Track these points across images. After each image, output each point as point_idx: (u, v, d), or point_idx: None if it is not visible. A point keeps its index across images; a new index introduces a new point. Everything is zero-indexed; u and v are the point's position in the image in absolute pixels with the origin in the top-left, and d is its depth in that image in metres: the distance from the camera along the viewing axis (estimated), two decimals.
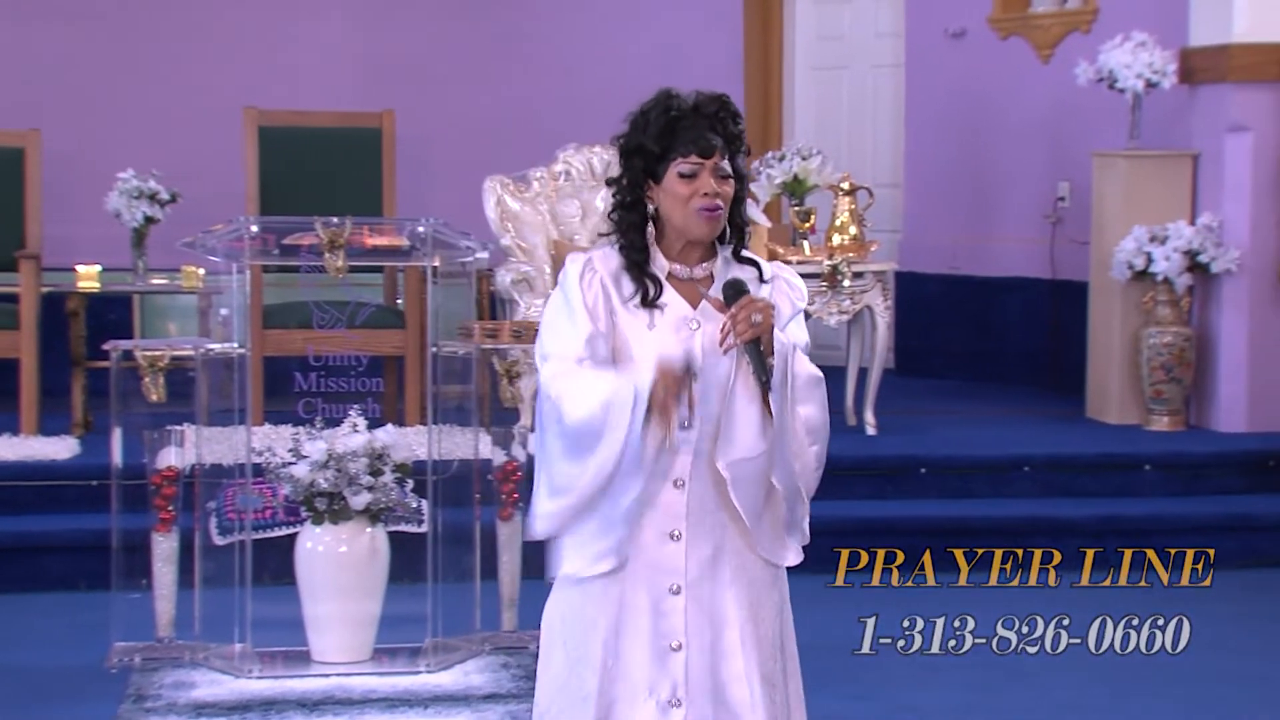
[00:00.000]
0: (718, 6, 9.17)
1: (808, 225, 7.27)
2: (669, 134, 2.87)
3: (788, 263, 7.11)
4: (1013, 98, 8.45)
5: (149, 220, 7.17)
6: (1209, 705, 4.91)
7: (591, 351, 2.86)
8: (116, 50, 8.58)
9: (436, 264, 5.19)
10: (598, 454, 2.82)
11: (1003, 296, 8.57)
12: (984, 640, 5.49)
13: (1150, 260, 7.13)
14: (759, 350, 2.82)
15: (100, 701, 4.77)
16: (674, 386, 2.80)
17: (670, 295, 2.89)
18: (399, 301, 7.05)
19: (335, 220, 5.15)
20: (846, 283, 7.03)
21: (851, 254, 7.10)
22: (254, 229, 5.13)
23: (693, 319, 2.88)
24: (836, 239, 7.16)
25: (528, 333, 5.42)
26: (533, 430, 3.14)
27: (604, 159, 7.36)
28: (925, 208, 8.83)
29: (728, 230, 2.93)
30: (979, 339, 8.66)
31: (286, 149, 7.39)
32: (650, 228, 2.91)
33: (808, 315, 7.18)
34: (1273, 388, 7.21)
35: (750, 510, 2.89)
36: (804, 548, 3.01)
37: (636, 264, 2.89)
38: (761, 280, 2.93)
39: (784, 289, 2.95)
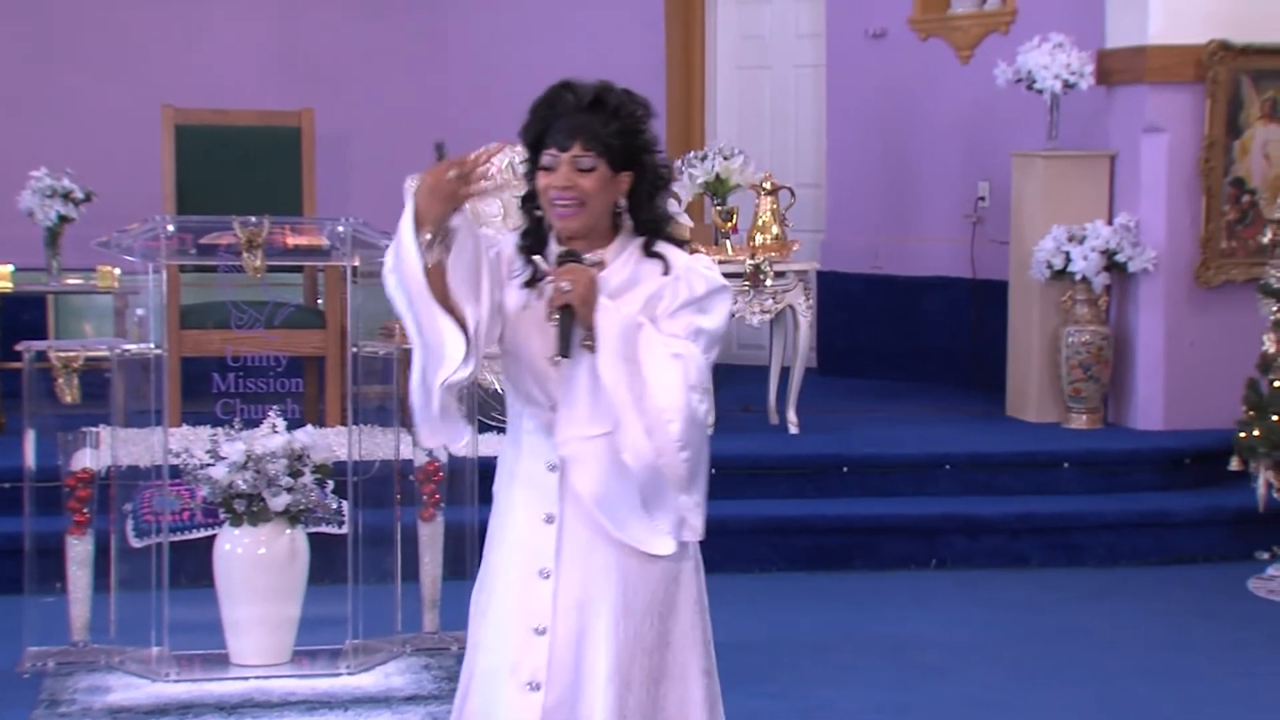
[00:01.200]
0: (639, 5, 9.17)
1: (730, 225, 7.27)
2: (542, 126, 2.88)
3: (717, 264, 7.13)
4: (933, 98, 8.50)
5: (63, 219, 7.08)
6: (1121, 699, 4.95)
7: (491, 272, 2.89)
8: (31, 46, 8.47)
9: (356, 264, 5.16)
10: (403, 284, 2.82)
11: (924, 296, 8.62)
12: (899, 636, 5.52)
13: (1069, 260, 7.19)
14: (567, 320, 2.80)
15: (13, 707, 4.70)
16: (432, 177, 2.79)
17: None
18: (319, 301, 7.00)
19: (253, 219, 5.10)
20: (769, 282, 7.05)
21: (774, 253, 7.12)
22: (170, 228, 5.07)
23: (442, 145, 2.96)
24: (759, 238, 7.17)
25: None
26: None
27: (525, 158, 7.31)
28: (847, 207, 8.87)
29: (637, 225, 2.92)
30: (900, 338, 8.70)
31: (204, 147, 7.31)
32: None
33: (731, 315, 7.20)
34: (1188, 386, 7.29)
35: (597, 494, 2.85)
36: (705, 541, 2.95)
37: (525, 249, 2.92)
38: (666, 270, 2.90)
39: (682, 286, 2.91)
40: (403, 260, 2.82)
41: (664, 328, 2.87)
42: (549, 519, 2.89)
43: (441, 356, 2.83)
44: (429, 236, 2.79)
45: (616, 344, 2.81)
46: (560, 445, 2.86)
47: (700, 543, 2.98)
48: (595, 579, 2.87)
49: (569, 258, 2.85)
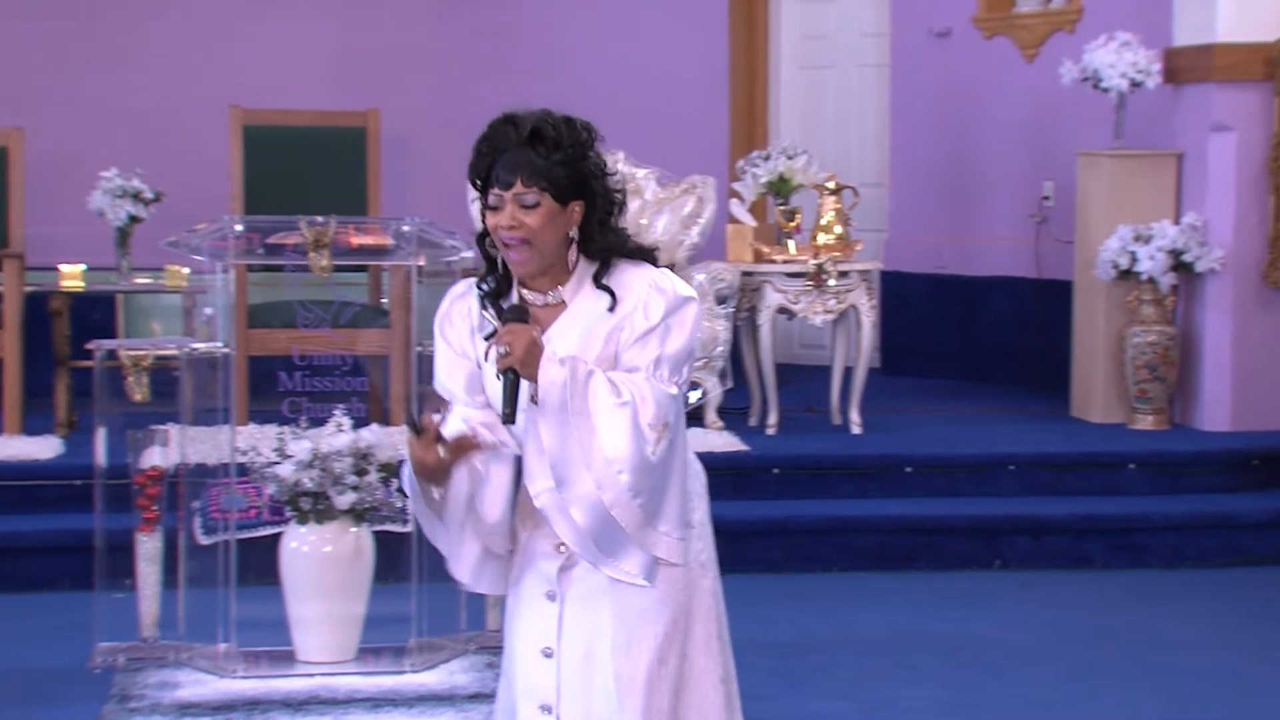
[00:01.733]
0: (702, 6, 9.17)
1: (793, 225, 7.27)
2: (485, 164, 2.82)
3: (772, 262, 7.14)
4: (997, 97, 8.46)
5: (133, 219, 7.16)
6: (1185, 701, 4.92)
7: (469, 388, 2.90)
8: (101, 49, 8.56)
9: (421, 263, 5.19)
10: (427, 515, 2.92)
11: (987, 295, 8.58)
12: (962, 636, 5.51)
13: (1135, 259, 7.14)
14: (512, 382, 2.74)
15: (84, 702, 4.76)
16: (416, 452, 2.79)
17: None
18: (383, 301, 7.05)
19: (320, 219, 5.14)
20: (832, 282, 7.04)
21: (837, 253, 7.11)
22: (238, 228, 5.12)
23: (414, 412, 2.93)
24: (822, 238, 7.17)
25: None
26: None
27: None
28: (910, 207, 8.84)
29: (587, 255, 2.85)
30: (964, 338, 8.67)
31: (271, 148, 7.38)
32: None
33: (790, 315, 7.21)
34: (1256, 386, 7.23)
35: (570, 539, 2.84)
36: (689, 552, 2.91)
37: (485, 296, 2.87)
38: (611, 309, 2.82)
39: (639, 314, 2.82)
40: (416, 504, 2.90)
41: (627, 360, 2.82)
42: (560, 548, 2.89)
43: (457, 558, 2.95)
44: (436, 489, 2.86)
45: (559, 401, 2.75)
46: (534, 498, 2.84)
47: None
48: (599, 600, 2.87)
49: (513, 315, 2.78)
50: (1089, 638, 5.56)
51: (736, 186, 7.46)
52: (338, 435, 5.03)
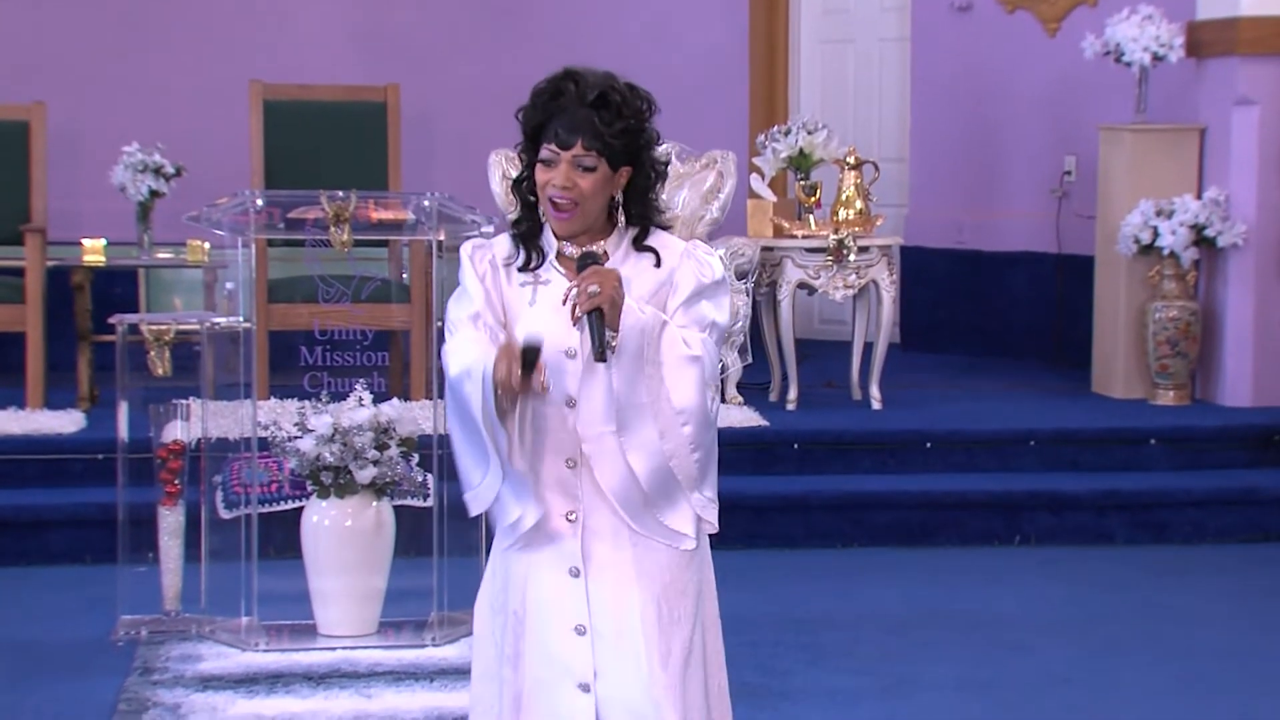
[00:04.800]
0: None
1: (813, 200, 7.26)
2: (543, 117, 2.80)
3: (792, 237, 7.13)
4: (1019, 72, 8.43)
5: (154, 194, 7.18)
6: (1205, 677, 4.92)
7: (479, 322, 2.84)
8: (121, 23, 8.57)
9: (442, 238, 5.19)
10: (474, 416, 2.76)
11: (1008, 271, 8.56)
12: (982, 613, 5.51)
13: (1156, 234, 7.12)
14: (598, 323, 2.72)
15: (107, 675, 4.79)
16: (510, 364, 2.72)
17: (553, 273, 2.83)
18: (404, 276, 7.05)
19: (340, 194, 5.14)
20: (852, 257, 7.03)
21: (857, 228, 7.09)
22: (259, 203, 5.13)
23: (539, 341, 2.76)
24: (842, 213, 7.15)
25: None
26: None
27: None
28: (931, 182, 8.82)
29: (627, 218, 2.84)
30: (984, 313, 8.65)
31: (291, 123, 7.38)
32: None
33: (810, 290, 7.20)
34: (1278, 362, 7.20)
35: (618, 489, 2.81)
36: (721, 528, 2.90)
37: (522, 235, 2.85)
38: (657, 266, 2.84)
39: (691, 266, 2.85)
40: (474, 401, 2.76)
41: (677, 319, 2.82)
42: (570, 517, 2.83)
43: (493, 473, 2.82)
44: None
45: (638, 346, 2.75)
46: (584, 441, 2.80)
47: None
48: (626, 571, 2.82)
49: (589, 259, 2.77)
50: (1110, 614, 5.56)
51: (757, 161, 7.45)
52: (358, 410, 5.04)
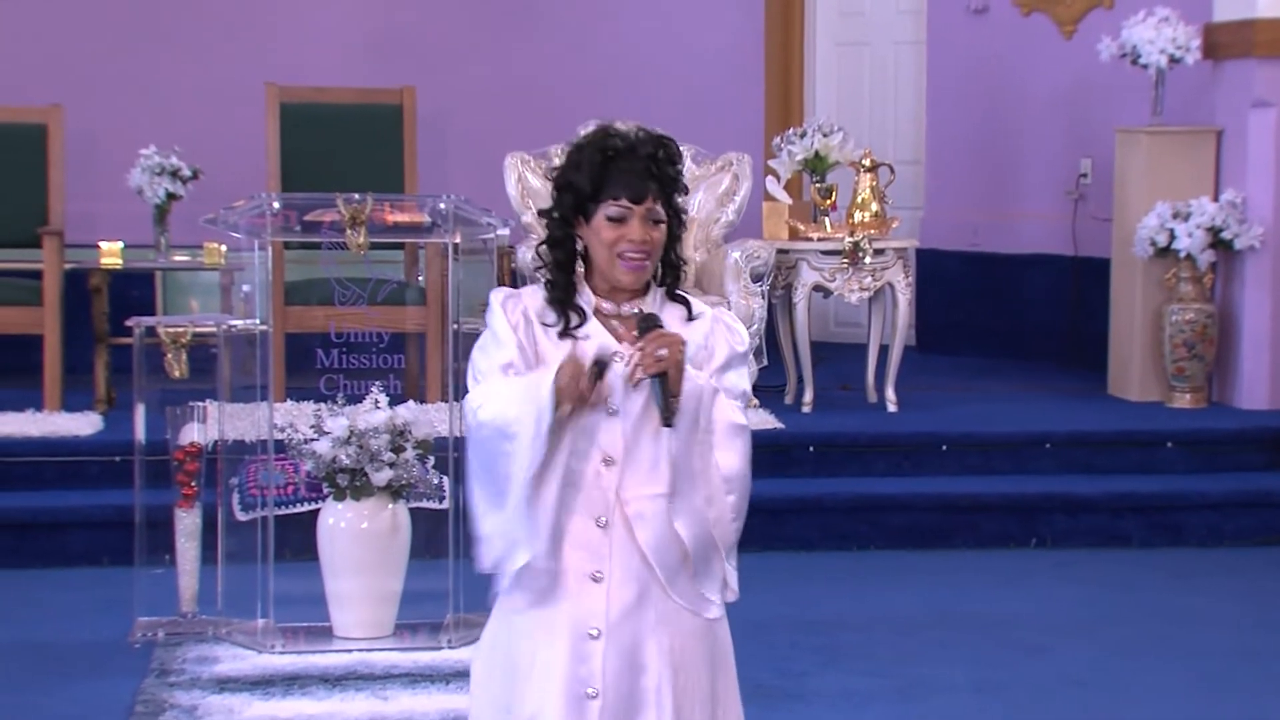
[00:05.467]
0: None
1: (829, 202, 7.26)
2: (602, 174, 2.77)
3: (808, 239, 7.13)
4: (1035, 74, 8.42)
5: (171, 197, 7.20)
6: (1222, 680, 4.91)
7: (510, 371, 2.79)
8: (138, 26, 8.59)
9: (458, 240, 5.20)
10: (516, 451, 2.72)
11: (1024, 273, 8.55)
12: (998, 615, 5.50)
13: (1173, 237, 7.10)
14: (664, 387, 2.72)
15: (124, 676, 4.80)
16: (578, 372, 2.70)
17: (595, 328, 2.80)
18: (420, 278, 7.06)
19: (356, 197, 5.15)
20: (868, 260, 7.03)
21: (873, 231, 7.09)
22: (276, 205, 5.14)
23: (615, 351, 2.77)
24: (858, 216, 7.15)
25: None
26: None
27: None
28: (947, 184, 8.81)
29: (660, 270, 2.83)
30: (1000, 316, 8.64)
31: (307, 125, 7.40)
32: (580, 264, 2.83)
33: (826, 293, 7.20)
34: None
35: (657, 552, 2.78)
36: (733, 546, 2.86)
37: (559, 300, 2.82)
38: (690, 319, 2.83)
39: (723, 333, 2.85)
40: (527, 421, 2.72)
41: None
42: (596, 578, 2.78)
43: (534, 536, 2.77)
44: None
45: (694, 412, 2.75)
46: (626, 503, 2.77)
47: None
48: (645, 637, 2.78)
49: (651, 322, 2.76)
50: (1126, 616, 5.55)
51: (772, 164, 7.44)
52: (374, 412, 5.05)
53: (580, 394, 2.72)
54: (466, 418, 2.81)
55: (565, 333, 2.80)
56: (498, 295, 2.86)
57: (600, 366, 2.72)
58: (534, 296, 2.85)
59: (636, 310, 2.81)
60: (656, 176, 2.78)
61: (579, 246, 2.82)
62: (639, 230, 2.77)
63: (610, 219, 2.78)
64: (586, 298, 2.83)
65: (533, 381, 2.74)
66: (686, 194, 2.87)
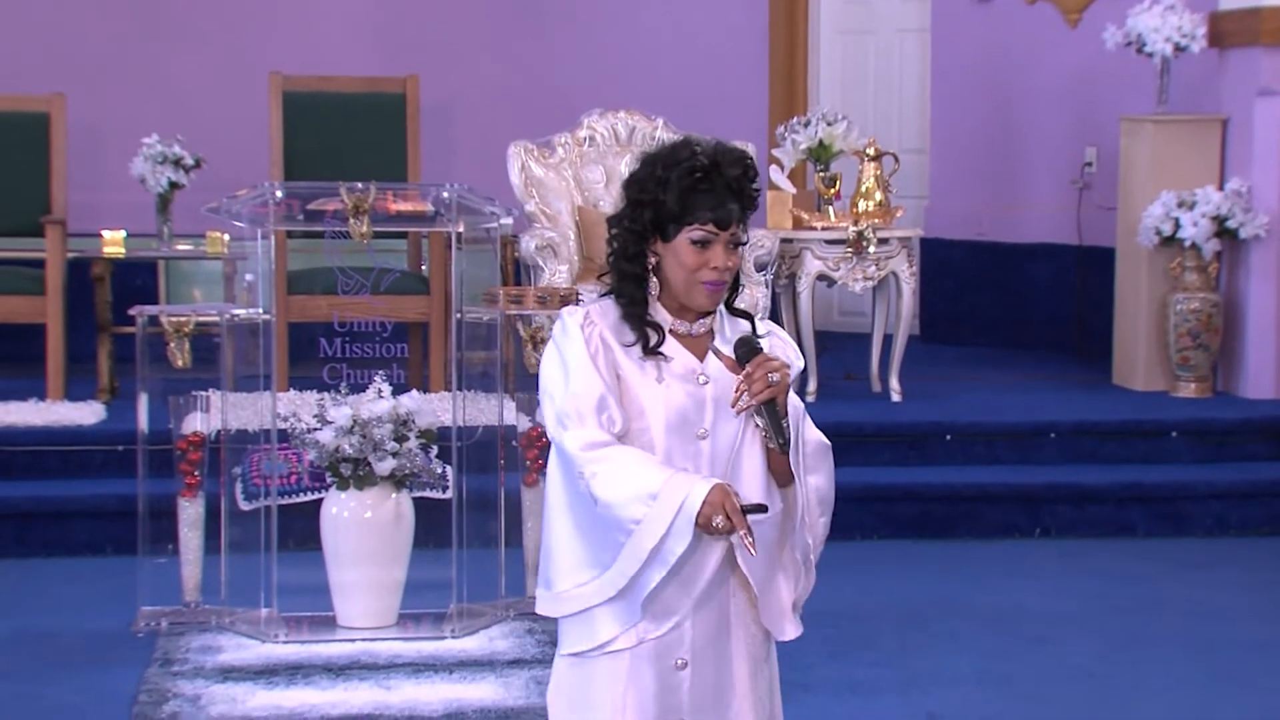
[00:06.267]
0: None
1: (833, 191, 7.24)
2: (688, 195, 2.66)
3: (812, 229, 7.11)
4: (1040, 63, 8.39)
5: (173, 186, 7.18)
6: (1228, 670, 4.90)
7: (605, 413, 2.68)
8: (141, 15, 8.57)
9: (461, 230, 5.19)
10: (630, 544, 2.64)
11: (1029, 263, 8.53)
12: (1002, 605, 5.49)
13: (1178, 226, 7.09)
14: (776, 411, 2.66)
15: (127, 665, 4.79)
16: (732, 518, 2.61)
17: (674, 348, 2.72)
18: (423, 267, 7.05)
19: (360, 186, 5.14)
20: (872, 249, 7.01)
21: (877, 220, 7.08)
22: (278, 194, 5.13)
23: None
24: (862, 205, 7.13)
25: (552, 299, 5.40)
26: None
27: (628, 124, 7.33)
28: (951, 173, 8.79)
29: None
30: (1004, 305, 8.63)
31: (311, 114, 7.38)
32: (652, 280, 2.73)
33: (830, 282, 7.18)
34: None
35: (759, 577, 2.73)
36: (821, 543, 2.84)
37: (636, 315, 2.71)
38: (755, 332, 2.76)
39: (790, 351, 2.80)
40: (654, 529, 2.63)
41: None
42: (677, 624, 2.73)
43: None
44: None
45: (797, 434, 2.69)
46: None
47: None
48: (727, 663, 2.76)
49: (750, 348, 2.68)
50: (1131, 607, 5.54)
51: (776, 153, 7.43)
52: (378, 401, 5.04)
53: (717, 530, 2.62)
54: (565, 465, 2.68)
55: (650, 352, 2.70)
56: (574, 316, 2.73)
57: (751, 512, 2.63)
58: (605, 314, 2.73)
59: (707, 328, 2.73)
60: (739, 199, 2.68)
61: (650, 261, 2.71)
62: (722, 257, 2.68)
63: (694, 243, 2.67)
64: (661, 316, 2.73)
65: (672, 495, 2.61)
66: (755, 209, 2.75)
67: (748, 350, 2.69)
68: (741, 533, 2.62)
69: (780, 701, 2.88)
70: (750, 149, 7.18)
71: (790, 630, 2.80)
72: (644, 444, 2.70)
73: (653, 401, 2.70)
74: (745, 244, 2.73)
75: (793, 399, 2.72)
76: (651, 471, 2.65)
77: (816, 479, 2.75)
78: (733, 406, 2.68)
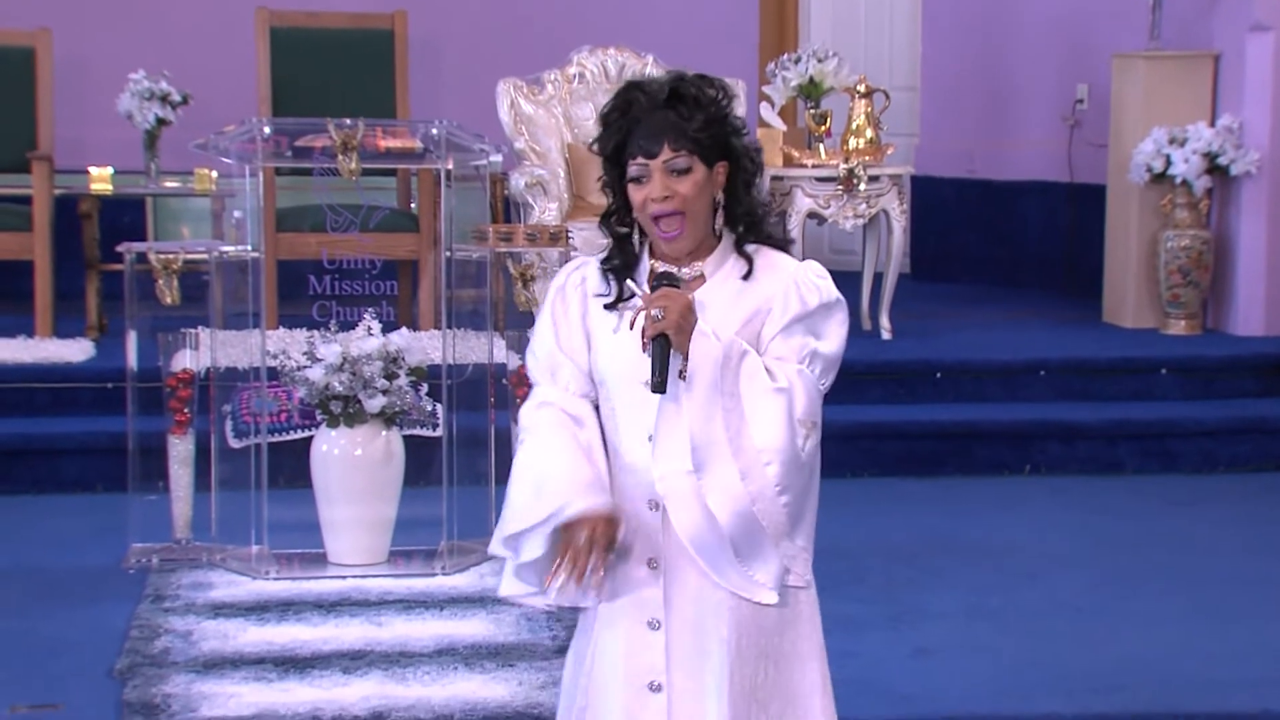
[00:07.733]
0: None
1: (823, 128, 7.21)
2: (618, 136, 2.58)
3: (802, 166, 7.09)
4: None
5: (161, 122, 7.15)
6: (1216, 605, 4.92)
7: (558, 375, 2.66)
8: None
9: (450, 167, 5.16)
10: (500, 522, 2.69)
11: (1019, 200, 8.52)
12: (992, 542, 5.51)
13: (1169, 163, 7.07)
14: (662, 350, 2.51)
15: (119, 601, 4.80)
16: (581, 556, 2.56)
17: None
18: (412, 205, 7.03)
19: (348, 122, 5.12)
20: (862, 186, 6.99)
21: (867, 157, 7.05)
22: (266, 131, 5.10)
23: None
24: (852, 142, 7.11)
25: (542, 236, 5.39)
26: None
27: (618, 61, 7.30)
28: (942, 111, 8.76)
29: (733, 220, 2.63)
30: (995, 243, 8.62)
31: (298, 50, 7.33)
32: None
33: (821, 220, 7.16)
34: None
35: (691, 534, 2.57)
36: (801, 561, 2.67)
37: (614, 270, 2.65)
38: (746, 277, 2.61)
39: (792, 291, 2.62)
40: (523, 519, 2.66)
41: (774, 349, 2.60)
42: (652, 564, 2.61)
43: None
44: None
45: (712, 377, 2.53)
46: (658, 481, 2.57)
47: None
48: (706, 625, 2.60)
49: (664, 280, 2.56)
50: (1120, 543, 5.56)
51: (766, 90, 7.39)
52: (367, 339, 5.03)
53: (573, 559, 2.58)
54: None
55: (613, 304, 2.63)
56: (562, 275, 2.70)
57: (613, 545, 2.58)
58: (595, 271, 2.69)
59: (698, 272, 2.62)
60: (674, 123, 2.55)
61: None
62: (657, 186, 2.56)
63: (633, 181, 2.59)
64: (644, 264, 2.64)
65: (550, 501, 2.60)
66: (739, 133, 2.61)
67: (657, 284, 2.58)
68: (584, 570, 2.56)
69: (812, 676, 2.67)
70: (740, 86, 7.23)
71: (760, 593, 2.60)
72: (607, 397, 2.65)
73: (609, 353, 2.64)
74: (700, 169, 2.57)
75: (716, 338, 2.55)
76: (559, 466, 2.62)
77: (758, 425, 2.57)
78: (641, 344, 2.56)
